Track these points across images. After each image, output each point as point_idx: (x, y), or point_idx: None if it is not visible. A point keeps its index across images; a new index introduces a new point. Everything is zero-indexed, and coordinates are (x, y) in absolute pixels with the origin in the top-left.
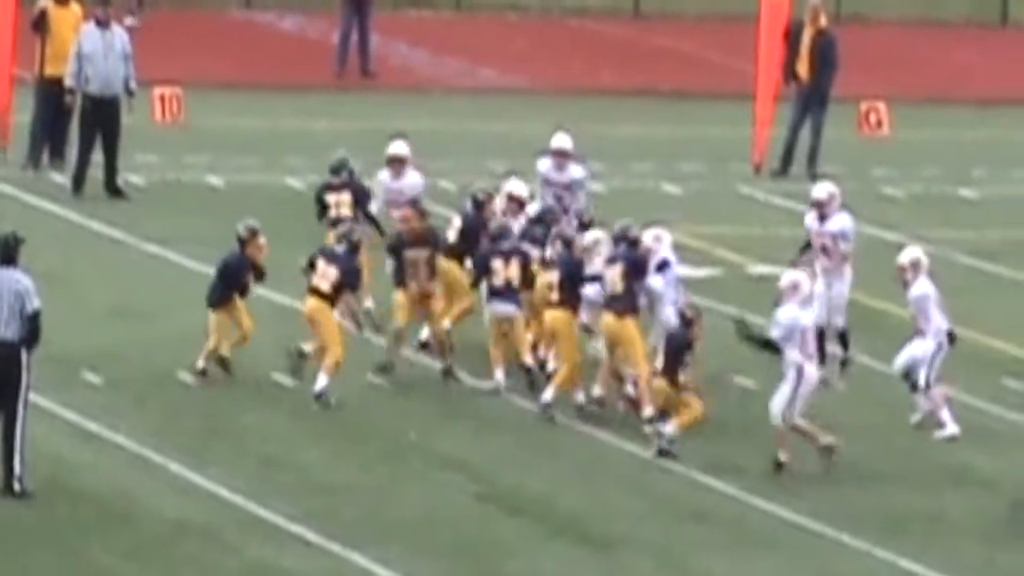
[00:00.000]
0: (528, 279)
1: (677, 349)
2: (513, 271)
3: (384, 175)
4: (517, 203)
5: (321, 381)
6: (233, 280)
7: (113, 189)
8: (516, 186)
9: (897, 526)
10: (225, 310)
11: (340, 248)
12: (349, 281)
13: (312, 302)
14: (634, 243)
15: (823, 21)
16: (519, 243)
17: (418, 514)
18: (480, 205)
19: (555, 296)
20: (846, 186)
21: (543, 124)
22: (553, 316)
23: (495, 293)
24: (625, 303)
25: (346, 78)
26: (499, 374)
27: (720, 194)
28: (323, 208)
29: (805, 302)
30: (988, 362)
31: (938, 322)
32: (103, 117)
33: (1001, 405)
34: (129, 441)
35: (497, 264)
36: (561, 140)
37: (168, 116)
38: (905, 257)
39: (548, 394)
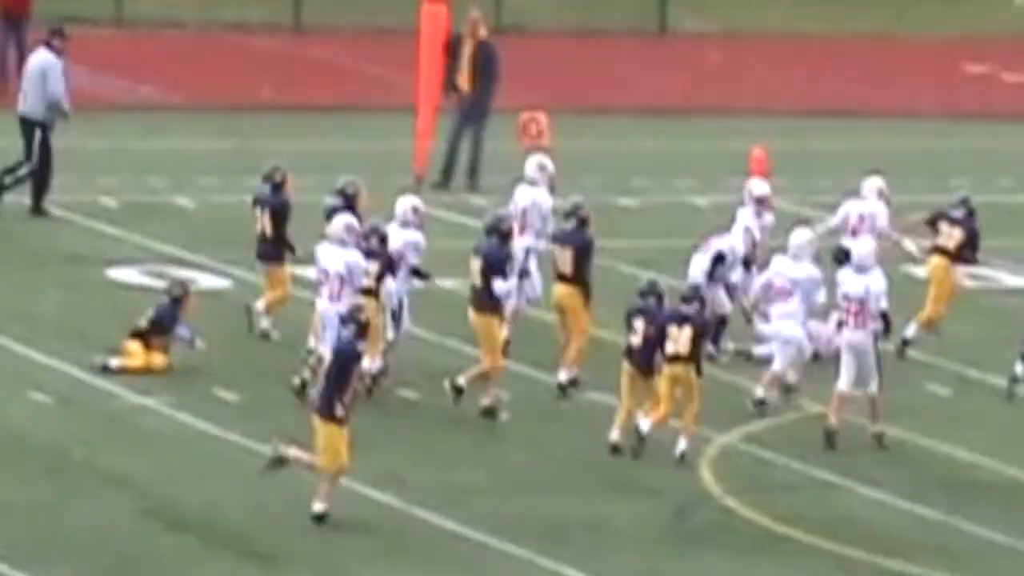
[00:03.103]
0: None
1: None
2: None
3: None
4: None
5: None
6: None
7: None
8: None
9: (561, 535)
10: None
11: None
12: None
13: None
14: (506, 237)
15: (483, 32)
16: None
17: (82, 531)
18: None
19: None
20: (509, 197)
21: (204, 141)
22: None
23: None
24: (487, 299)
25: (5, 96)
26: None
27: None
28: None
29: None
30: None
31: None
32: None
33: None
34: None
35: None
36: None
37: None
38: None
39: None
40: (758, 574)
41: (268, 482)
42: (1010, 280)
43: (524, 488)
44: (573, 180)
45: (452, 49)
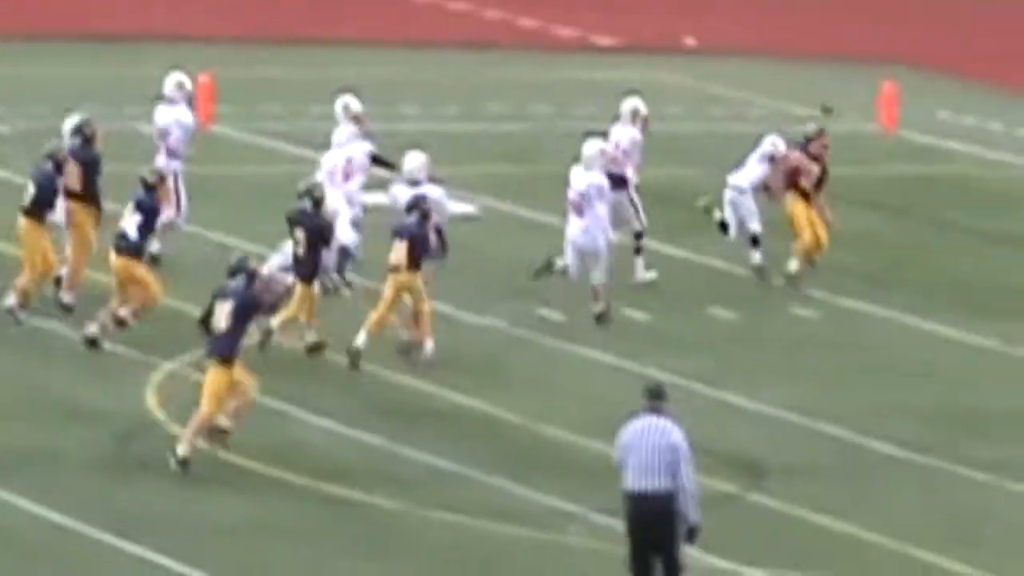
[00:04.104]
0: None
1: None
2: None
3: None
4: None
5: None
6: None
7: None
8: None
9: (11, 464)
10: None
11: None
12: None
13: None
14: (151, 188)
15: None
16: None
17: None
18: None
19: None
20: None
21: None
22: None
23: None
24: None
25: None
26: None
27: None
28: None
29: None
30: None
31: None
32: None
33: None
34: None
35: None
36: None
37: None
38: None
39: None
40: (201, 500)
41: None
42: (457, 208)
43: None
44: (16, 108)
45: None
